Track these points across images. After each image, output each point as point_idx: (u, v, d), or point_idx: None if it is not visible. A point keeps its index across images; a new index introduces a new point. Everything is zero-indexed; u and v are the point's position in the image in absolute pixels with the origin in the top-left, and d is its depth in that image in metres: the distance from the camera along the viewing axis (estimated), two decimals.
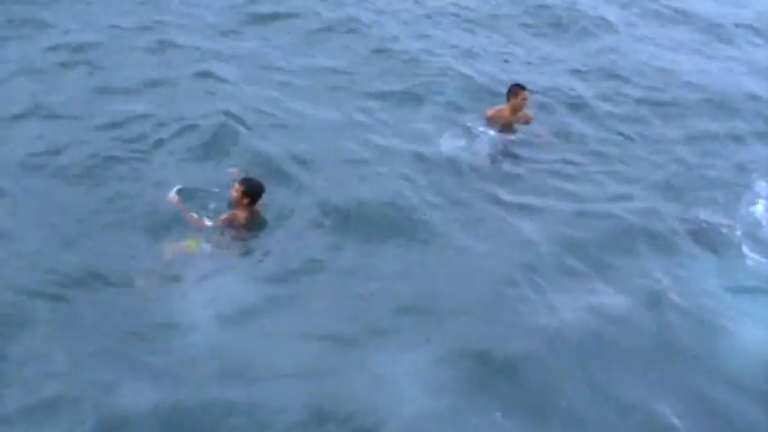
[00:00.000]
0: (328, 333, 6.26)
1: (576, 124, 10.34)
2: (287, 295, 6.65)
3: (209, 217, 7.38)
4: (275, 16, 12.69)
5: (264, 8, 12.94)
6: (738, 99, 11.48)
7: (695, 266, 7.53)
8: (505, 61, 12.14)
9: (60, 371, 5.65)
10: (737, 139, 10.39)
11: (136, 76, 10.13)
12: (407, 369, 5.95)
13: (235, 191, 7.40)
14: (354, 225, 7.55)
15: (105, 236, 7.07)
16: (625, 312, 6.73)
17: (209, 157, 8.44)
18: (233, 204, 7.44)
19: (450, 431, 5.55)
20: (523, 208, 8.19)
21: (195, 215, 7.36)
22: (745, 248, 7.83)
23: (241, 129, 8.93)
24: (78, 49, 10.68)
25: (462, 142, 9.46)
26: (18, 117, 8.84)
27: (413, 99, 10.39)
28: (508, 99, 9.83)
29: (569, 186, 8.75)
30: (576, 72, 11.97)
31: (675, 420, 5.75)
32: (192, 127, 8.93)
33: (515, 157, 9.40)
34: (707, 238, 7.97)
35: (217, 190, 7.80)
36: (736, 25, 14.75)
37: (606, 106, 10.95)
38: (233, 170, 8.15)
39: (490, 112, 9.95)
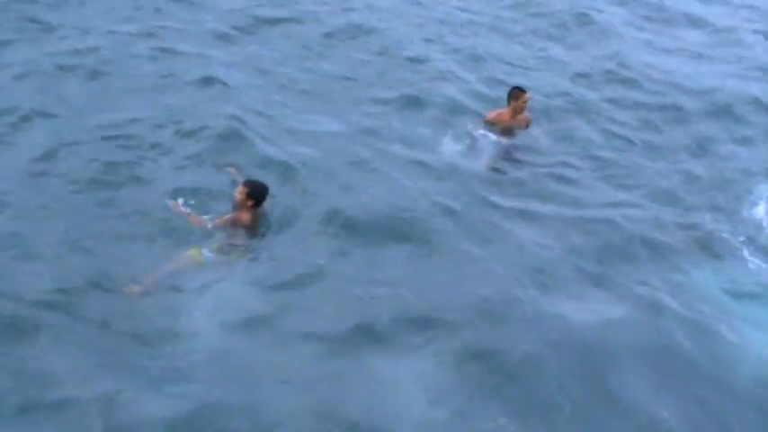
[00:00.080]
0: (332, 338, 6.27)
1: (579, 128, 10.39)
2: (290, 300, 6.66)
3: (212, 219, 7.41)
4: (277, 21, 12.72)
5: (266, 13, 12.97)
6: (742, 103, 11.53)
7: (696, 272, 7.55)
8: (509, 64, 12.19)
9: (65, 376, 5.65)
10: (740, 143, 10.46)
11: (139, 81, 10.15)
12: (412, 374, 5.97)
13: (239, 193, 7.41)
14: (358, 230, 7.57)
15: (109, 242, 7.06)
16: (627, 318, 6.75)
17: (213, 161, 8.46)
18: (237, 206, 7.46)
19: None
20: (526, 214, 8.22)
21: (199, 217, 7.40)
22: (746, 253, 7.87)
23: (245, 133, 8.95)
24: (81, 53, 10.66)
25: (463, 146, 9.53)
26: (21, 122, 8.80)
27: (415, 103, 10.43)
28: (509, 102, 9.85)
29: (571, 191, 8.80)
30: (579, 76, 12.03)
31: (677, 425, 5.79)
32: (197, 131, 8.96)
33: (517, 161, 9.44)
34: (708, 243, 8.01)
35: (221, 192, 7.86)
36: (749, 31, 14.82)
37: (609, 110, 11.02)
38: (230, 170, 8.21)
39: (491, 115, 9.99)
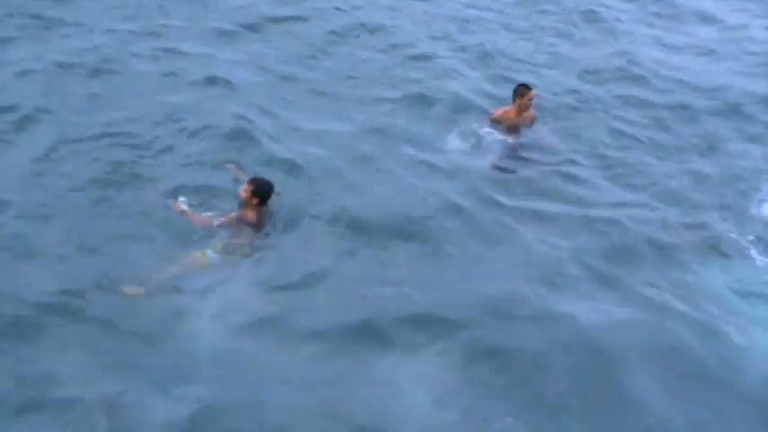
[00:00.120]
0: (337, 339, 6.27)
1: (586, 126, 10.38)
2: (295, 300, 6.66)
3: (216, 216, 7.42)
4: (281, 19, 12.70)
5: (270, 11, 12.96)
6: (751, 101, 11.49)
7: (704, 271, 7.53)
8: (515, 61, 12.16)
9: (69, 377, 5.66)
10: (749, 141, 10.42)
11: (142, 80, 10.15)
12: (418, 374, 5.99)
13: (244, 191, 7.42)
14: (364, 230, 7.56)
15: (112, 242, 7.06)
16: (635, 319, 6.73)
17: (216, 160, 8.45)
18: (242, 204, 7.46)
19: None
20: (533, 213, 8.21)
21: (201, 215, 7.41)
22: (754, 252, 7.86)
23: (251, 132, 8.96)
24: (83, 52, 10.64)
25: (469, 144, 9.52)
26: (23, 120, 8.80)
27: (421, 101, 10.40)
28: (514, 99, 9.83)
29: (578, 190, 8.78)
30: (587, 73, 12.00)
31: (685, 426, 5.81)
32: (201, 130, 8.98)
33: (523, 159, 9.43)
34: (716, 242, 7.99)
35: (224, 190, 7.88)
36: (761, 27, 14.76)
37: (617, 108, 10.99)
38: (230, 166, 8.21)
39: (497, 112, 9.97)
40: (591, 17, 14.27)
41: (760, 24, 15.04)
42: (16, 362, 5.75)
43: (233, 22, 12.37)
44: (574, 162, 9.39)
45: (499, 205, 8.29)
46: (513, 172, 9.20)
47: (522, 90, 9.80)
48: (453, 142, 9.52)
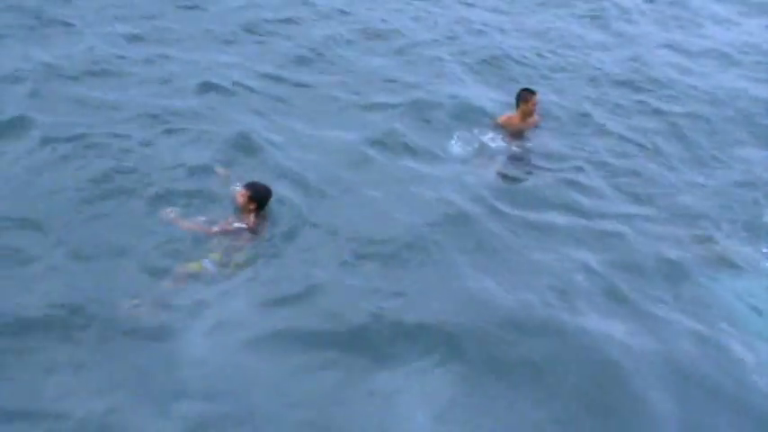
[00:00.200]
0: (335, 352, 6.21)
1: (594, 133, 10.39)
2: (294, 313, 6.59)
3: (210, 222, 7.36)
4: (279, 23, 12.75)
5: (268, 15, 13.00)
6: (764, 110, 11.49)
7: (715, 286, 7.49)
8: (521, 64, 12.18)
9: (60, 396, 5.59)
10: (760, 151, 10.41)
11: (135, 86, 10.13)
12: (418, 389, 5.93)
13: (240, 196, 7.39)
14: (366, 241, 7.49)
15: (105, 256, 6.95)
16: (643, 335, 6.68)
17: (211, 167, 8.39)
18: (239, 210, 7.42)
19: None
20: (538, 225, 8.15)
21: (196, 223, 7.34)
22: (767, 264, 7.83)
23: (248, 140, 8.94)
24: (75, 55, 10.65)
25: (473, 151, 9.47)
26: (7, 125, 8.70)
27: (423, 107, 10.37)
28: (518, 104, 9.81)
29: (585, 201, 8.73)
30: (596, 78, 12.02)
31: None
32: (197, 138, 8.97)
33: (527, 167, 9.41)
34: (727, 255, 7.94)
35: (218, 196, 7.84)
36: None
37: (626, 115, 11.00)
38: (219, 170, 8.16)
39: (500, 118, 9.95)
40: (601, 20, 14.26)
41: None
42: (3, 381, 5.67)
43: (229, 25, 12.43)
44: (580, 170, 9.35)
45: (504, 215, 8.23)
46: (517, 180, 9.17)
47: (525, 95, 9.78)
48: (456, 150, 9.49)
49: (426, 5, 14.33)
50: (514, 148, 9.60)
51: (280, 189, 7.86)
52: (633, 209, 8.73)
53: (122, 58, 10.89)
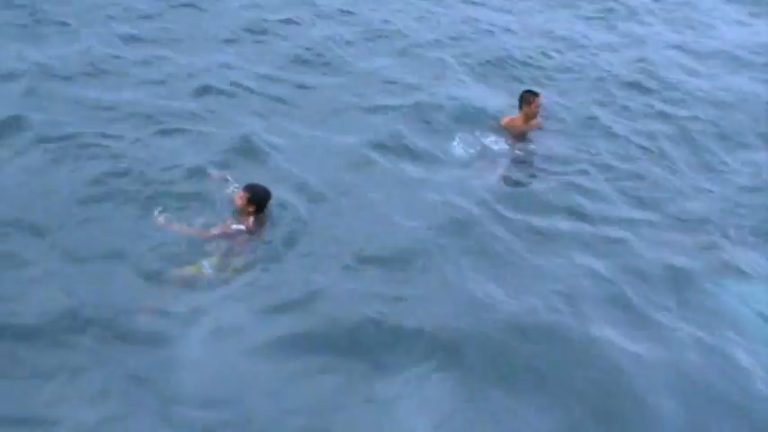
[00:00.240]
0: (335, 359, 6.19)
1: (599, 136, 10.37)
2: (294, 319, 6.55)
3: (205, 226, 7.35)
4: (278, 24, 12.73)
5: (267, 17, 12.99)
6: None
7: (721, 293, 7.47)
8: (524, 64, 12.18)
9: (53, 406, 5.56)
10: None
11: (132, 88, 10.12)
12: (418, 397, 5.91)
13: (239, 198, 7.36)
14: (367, 247, 7.46)
15: (100, 262, 6.90)
16: (650, 342, 6.66)
17: (205, 170, 8.35)
18: (237, 213, 7.40)
19: None
20: (543, 231, 8.12)
21: (189, 227, 7.31)
22: None
23: (248, 143, 8.93)
24: (70, 56, 10.66)
25: (475, 155, 9.45)
26: (8, 127, 8.68)
27: (424, 110, 10.34)
28: (521, 106, 9.78)
29: (590, 206, 8.70)
30: (602, 80, 12.01)
31: None
32: (195, 141, 8.96)
33: (531, 171, 9.41)
34: (734, 263, 7.93)
35: (214, 199, 7.82)
36: None
37: (633, 119, 10.97)
38: (213, 172, 8.13)
39: (503, 121, 9.93)
40: (608, 21, 14.25)
41: None
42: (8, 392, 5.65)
43: (228, 25, 12.43)
44: (585, 173, 9.33)
45: (507, 220, 8.21)
46: (520, 184, 9.16)
47: (528, 96, 9.75)
48: (457, 152, 9.48)
49: (429, 5, 14.31)
50: (517, 152, 9.58)
51: (279, 192, 7.83)
52: (638, 213, 8.71)
53: (119, 58, 10.88)
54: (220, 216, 7.51)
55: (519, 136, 9.78)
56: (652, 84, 12.05)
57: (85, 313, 6.31)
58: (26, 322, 6.16)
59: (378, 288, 7.02)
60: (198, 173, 8.26)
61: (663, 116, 11.12)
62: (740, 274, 7.79)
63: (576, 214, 8.53)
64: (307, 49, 11.95)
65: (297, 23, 12.83)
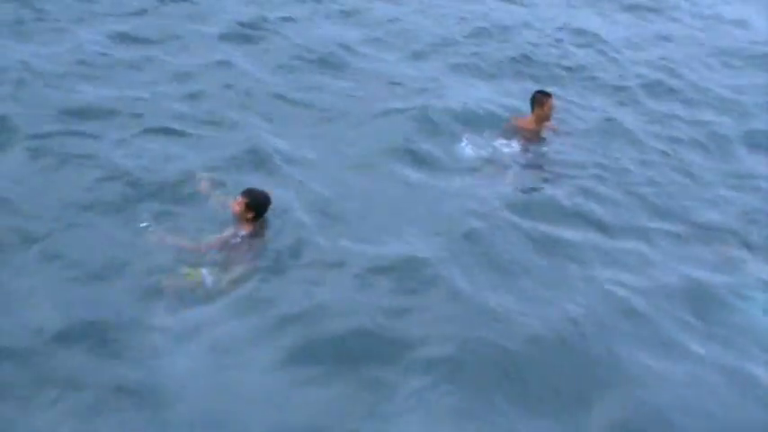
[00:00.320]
0: (335, 377, 6.13)
1: (614, 140, 10.32)
2: (291, 334, 6.47)
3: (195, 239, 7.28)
4: (276, 25, 12.74)
5: (266, 13, 12.97)
6: None
7: (745, 309, 7.40)
8: (538, 63, 12.15)
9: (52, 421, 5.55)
10: None
11: (125, 90, 10.07)
12: (421, 415, 5.84)
13: (237, 204, 7.29)
14: (373, 260, 7.36)
15: (90, 278, 6.85)
16: (674, 361, 6.62)
17: (195, 178, 8.30)
18: (235, 219, 7.34)
19: None
20: (557, 242, 8.00)
21: (186, 241, 7.23)
22: None
23: (246, 151, 8.87)
24: (58, 54, 10.64)
25: (485, 159, 9.39)
26: None
27: (431, 114, 10.24)
28: (533, 108, 9.74)
29: (606, 215, 8.63)
30: (617, 83, 11.97)
31: None
32: (187, 148, 8.89)
33: (544, 176, 9.34)
34: (757, 274, 7.88)
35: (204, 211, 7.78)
36: None
37: (650, 123, 10.93)
38: (202, 177, 8.07)
39: (514, 122, 9.90)
40: (632, 17, 14.26)
41: None
42: None
43: (225, 23, 12.44)
44: (601, 179, 9.27)
45: (519, 229, 8.11)
46: (533, 191, 9.08)
47: (540, 98, 9.71)
48: (466, 156, 9.41)
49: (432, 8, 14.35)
50: (529, 155, 9.54)
51: (280, 198, 7.77)
52: (657, 222, 8.65)
53: (110, 57, 10.87)
54: (216, 223, 7.46)
55: (531, 138, 9.73)
56: (674, 84, 12.09)
57: (76, 327, 6.26)
58: (13, 338, 6.10)
59: (383, 300, 6.95)
60: (191, 178, 8.20)
61: (684, 119, 11.14)
62: (765, 287, 7.71)
63: (591, 223, 8.47)
64: (308, 49, 11.97)
65: (297, 22, 12.84)
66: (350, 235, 7.69)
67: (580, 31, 13.73)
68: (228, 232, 7.26)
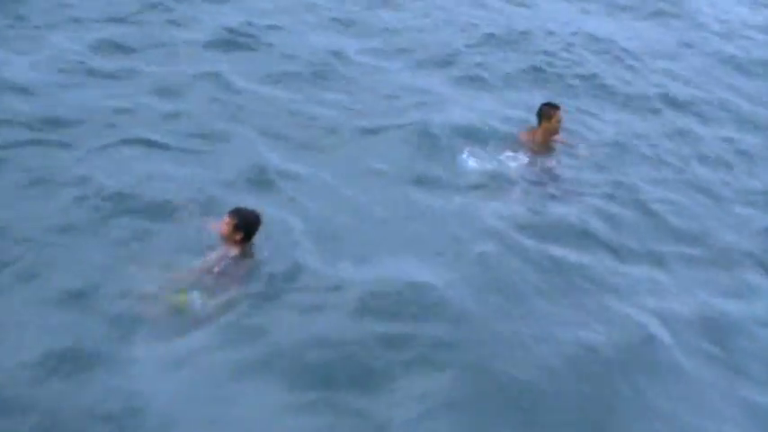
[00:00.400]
0: (326, 415, 6.01)
1: (625, 155, 10.30)
2: (282, 365, 6.38)
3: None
4: (268, 33, 12.75)
5: (257, 21, 12.96)
6: None
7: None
8: (549, 72, 12.09)
9: None
10: None
11: (106, 101, 9.97)
12: None
13: (225, 224, 7.23)
14: (369, 288, 7.24)
15: (70, 302, 6.75)
16: (695, 400, 6.58)
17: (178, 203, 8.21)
18: (222, 241, 7.26)
19: None
20: (562, 266, 7.91)
21: (172, 272, 7.12)
22: None
23: (240, 170, 8.79)
24: (41, 64, 10.61)
25: (490, 175, 9.32)
26: None
27: (432, 128, 10.15)
28: (540, 121, 9.72)
29: (619, 237, 8.56)
30: (629, 98, 11.93)
31: None
32: (173, 167, 8.77)
33: (551, 194, 9.24)
34: None
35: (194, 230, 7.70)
36: None
37: (665, 138, 10.93)
38: (186, 205, 8.00)
39: (521, 137, 9.86)
40: (654, 26, 14.43)
41: None
42: None
43: (212, 31, 12.45)
44: (611, 198, 9.23)
45: (525, 252, 8.03)
46: (539, 209, 8.99)
47: (547, 110, 9.71)
48: (470, 171, 9.36)
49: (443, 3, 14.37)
50: (536, 170, 9.49)
51: (271, 218, 7.70)
52: (671, 246, 8.61)
53: (91, 65, 10.83)
54: (201, 245, 7.37)
55: (539, 152, 9.70)
56: (691, 97, 12.15)
57: (54, 355, 6.16)
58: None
59: (380, 326, 6.86)
60: (176, 198, 8.13)
61: (700, 135, 11.16)
62: None
63: (603, 245, 8.41)
64: (301, 59, 11.99)
65: (289, 30, 12.84)
66: (346, 256, 7.63)
67: (590, 39, 13.79)
68: (215, 255, 7.19)
